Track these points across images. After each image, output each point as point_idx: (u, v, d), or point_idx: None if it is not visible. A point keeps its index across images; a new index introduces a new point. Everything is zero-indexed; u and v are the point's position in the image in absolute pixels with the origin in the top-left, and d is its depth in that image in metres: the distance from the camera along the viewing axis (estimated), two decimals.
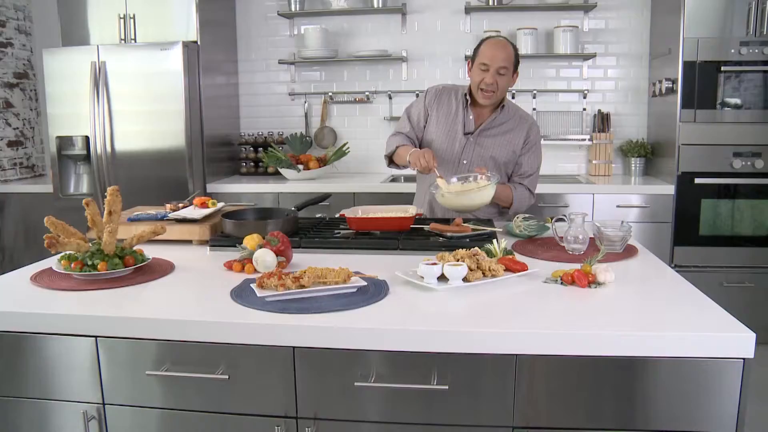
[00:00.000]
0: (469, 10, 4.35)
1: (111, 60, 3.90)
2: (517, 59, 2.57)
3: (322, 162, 4.39)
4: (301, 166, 4.28)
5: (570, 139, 4.46)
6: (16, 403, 1.62)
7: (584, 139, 4.41)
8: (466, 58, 4.26)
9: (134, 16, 4.05)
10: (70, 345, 1.55)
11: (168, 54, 3.85)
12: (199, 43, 4.03)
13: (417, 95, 4.39)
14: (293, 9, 4.47)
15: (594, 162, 4.40)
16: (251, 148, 4.65)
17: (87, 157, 4.04)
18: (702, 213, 3.78)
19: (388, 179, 4.30)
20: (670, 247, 3.81)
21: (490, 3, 4.32)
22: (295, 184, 4.20)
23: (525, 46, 4.28)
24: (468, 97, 2.66)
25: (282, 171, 4.32)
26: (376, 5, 4.42)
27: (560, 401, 1.42)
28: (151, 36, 4.08)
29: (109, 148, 3.96)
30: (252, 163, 4.63)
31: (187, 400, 1.53)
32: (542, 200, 3.90)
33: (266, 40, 4.70)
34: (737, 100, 3.71)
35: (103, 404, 1.56)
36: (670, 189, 3.80)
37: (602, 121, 4.39)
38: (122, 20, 4.06)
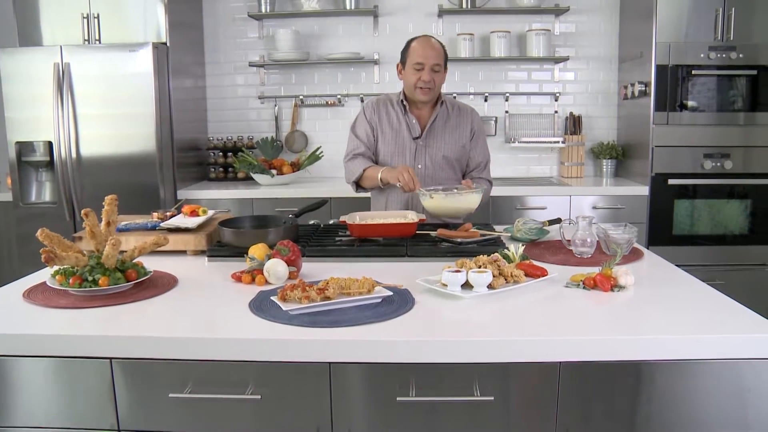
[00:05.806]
0: (441, 12, 4.34)
1: (75, 61, 3.70)
2: (446, 56, 2.64)
3: (296, 166, 4.29)
4: (274, 171, 4.17)
5: (542, 142, 4.50)
6: None
7: (557, 142, 4.45)
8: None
9: (98, 15, 3.87)
10: (82, 368, 1.43)
11: (136, 55, 3.69)
12: (168, 44, 3.88)
13: None
14: (263, 10, 4.36)
15: (566, 164, 4.45)
16: (220, 153, 4.51)
17: (50, 164, 3.83)
18: (675, 213, 3.88)
19: None
20: (644, 247, 3.87)
21: (463, 6, 4.32)
22: (269, 189, 4.09)
23: (498, 49, 4.31)
24: (405, 102, 2.68)
25: (255, 176, 4.20)
26: (348, 7, 4.35)
27: (604, 407, 1.40)
28: (113, 37, 3.90)
29: (74, 154, 3.76)
30: (221, 169, 4.49)
31: (212, 423, 1.44)
32: (520, 203, 3.92)
33: (235, 42, 4.57)
34: (706, 103, 3.82)
35: (119, 430, 1.45)
36: (644, 190, 3.88)
37: (574, 124, 4.45)
38: (86, 20, 3.87)
